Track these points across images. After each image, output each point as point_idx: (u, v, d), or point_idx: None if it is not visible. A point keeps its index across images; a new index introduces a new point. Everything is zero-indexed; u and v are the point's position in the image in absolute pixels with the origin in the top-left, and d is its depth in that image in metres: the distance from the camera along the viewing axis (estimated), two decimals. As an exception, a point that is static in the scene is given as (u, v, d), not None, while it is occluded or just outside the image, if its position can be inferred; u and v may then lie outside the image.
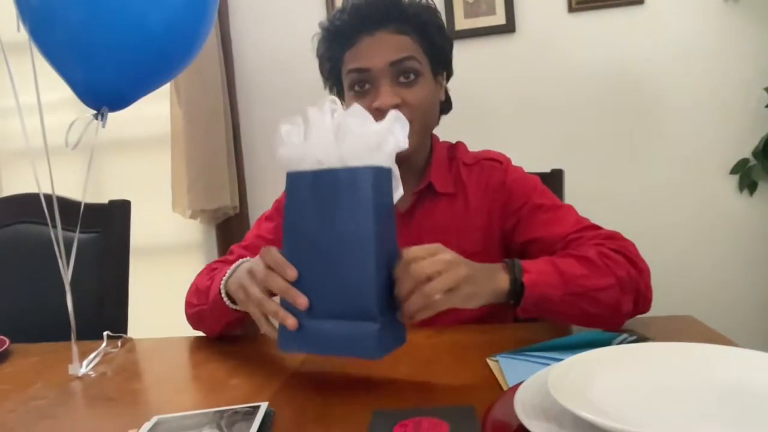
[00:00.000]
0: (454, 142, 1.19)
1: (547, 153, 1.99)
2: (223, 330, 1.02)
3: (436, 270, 0.75)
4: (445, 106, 1.17)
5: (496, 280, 0.84)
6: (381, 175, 0.76)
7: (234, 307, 0.93)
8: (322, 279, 0.76)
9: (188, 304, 1.06)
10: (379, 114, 1.03)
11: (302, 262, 0.77)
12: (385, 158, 0.77)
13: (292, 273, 0.76)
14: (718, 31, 1.95)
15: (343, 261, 0.75)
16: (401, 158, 0.79)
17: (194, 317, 1.05)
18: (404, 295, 0.75)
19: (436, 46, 1.10)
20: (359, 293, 0.74)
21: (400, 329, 0.80)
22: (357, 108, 0.78)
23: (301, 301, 0.75)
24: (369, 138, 0.76)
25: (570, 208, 1.07)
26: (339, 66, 1.11)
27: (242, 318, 0.95)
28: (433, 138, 1.17)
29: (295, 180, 0.79)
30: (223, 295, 0.93)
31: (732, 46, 1.95)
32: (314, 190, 0.77)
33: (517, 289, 0.84)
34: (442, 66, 1.13)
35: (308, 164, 0.78)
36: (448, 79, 1.17)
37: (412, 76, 1.06)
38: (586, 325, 0.91)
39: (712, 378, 0.61)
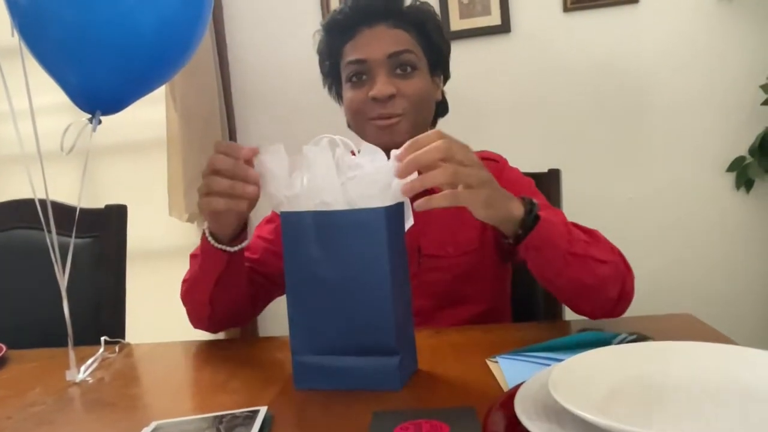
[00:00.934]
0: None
1: (543, 153, 1.99)
2: (215, 291, 0.96)
3: (468, 160, 0.75)
4: (442, 108, 1.18)
5: (513, 203, 0.83)
6: (393, 211, 0.75)
7: (220, 246, 0.91)
8: (336, 316, 0.76)
9: (183, 282, 1.04)
10: (375, 104, 1.05)
11: (311, 299, 0.77)
12: (397, 194, 0.75)
13: (246, 152, 0.79)
14: (713, 30, 1.95)
15: (359, 299, 0.74)
16: None
17: (188, 291, 1.03)
18: (427, 165, 0.73)
19: (434, 46, 1.11)
20: (378, 330, 0.74)
21: (414, 356, 0.81)
22: (366, 146, 0.78)
23: (252, 173, 0.78)
24: (379, 178, 0.74)
25: (560, 211, 1.08)
26: (338, 61, 1.12)
27: (233, 270, 0.95)
28: None
29: (293, 218, 0.77)
30: (208, 235, 0.92)
31: (726, 45, 1.95)
32: (318, 230, 0.75)
33: (529, 222, 0.83)
34: (440, 67, 1.15)
35: (310, 205, 0.76)
36: (445, 81, 1.18)
37: (409, 69, 1.07)
38: (572, 295, 0.91)
39: (711, 377, 0.61)
